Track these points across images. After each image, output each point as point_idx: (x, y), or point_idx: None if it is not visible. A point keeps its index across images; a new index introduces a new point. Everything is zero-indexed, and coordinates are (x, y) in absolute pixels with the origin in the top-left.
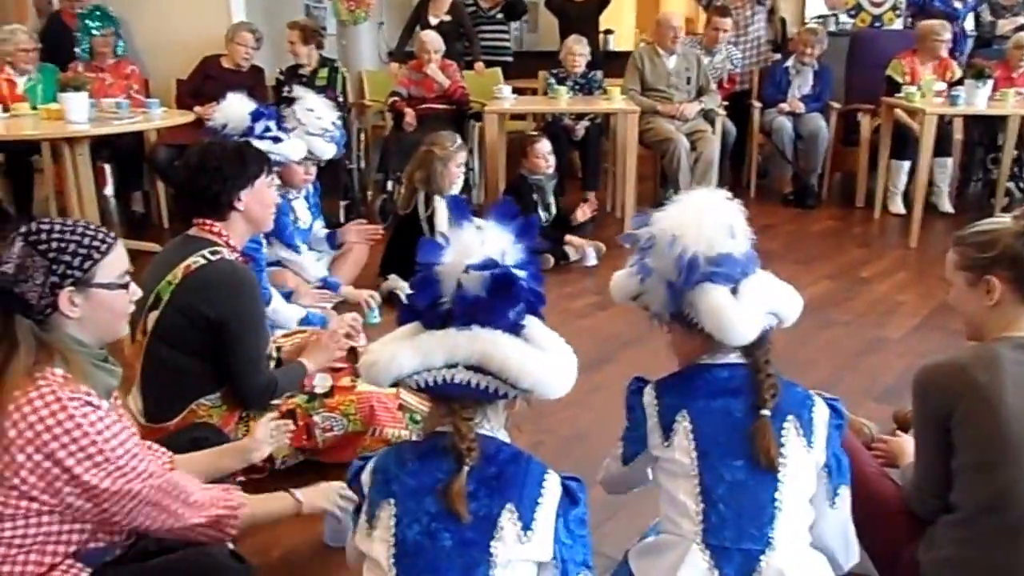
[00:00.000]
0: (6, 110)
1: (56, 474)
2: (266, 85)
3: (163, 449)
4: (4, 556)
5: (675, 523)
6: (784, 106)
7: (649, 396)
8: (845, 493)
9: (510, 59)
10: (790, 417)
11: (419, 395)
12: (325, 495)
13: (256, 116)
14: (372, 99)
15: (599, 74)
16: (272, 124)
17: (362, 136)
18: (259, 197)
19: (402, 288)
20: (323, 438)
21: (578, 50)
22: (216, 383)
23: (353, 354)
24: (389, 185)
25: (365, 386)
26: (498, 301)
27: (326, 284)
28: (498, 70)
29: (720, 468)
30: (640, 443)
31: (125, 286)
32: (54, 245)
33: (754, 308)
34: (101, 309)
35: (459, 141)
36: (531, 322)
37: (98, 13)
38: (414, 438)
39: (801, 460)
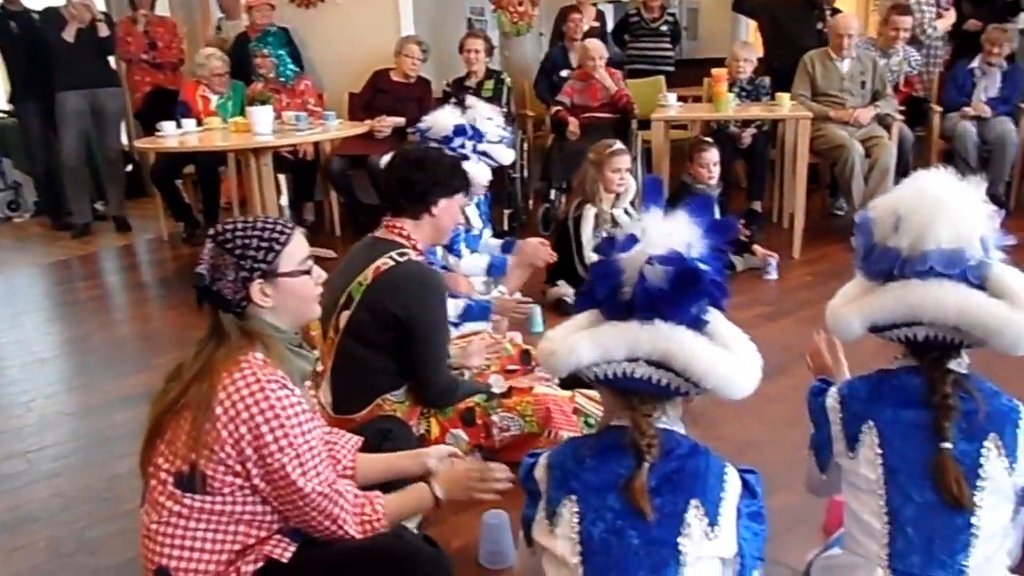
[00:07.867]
0: (199, 124)
1: (248, 454)
2: (432, 96)
3: (351, 438)
4: (217, 525)
5: (859, 542)
6: (968, 110)
7: (832, 400)
8: None
9: (671, 68)
10: (991, 435)
11: (595, 388)
12: (463, 487)
13: (458, 131)
14: (533, 109)
15: (766, 80)
16: (469, 144)
17: (525, 146)
18: (451, 211)
19: (568, 295)
20: (500, 437)
21: (744, 55)
22: (401, 379)
23: (527, 355)
24: (552, 194)
25: (541, 388)
26: (681, 295)
27: (492, 266)
28: (661, 79)
29: (909, 487)
30: (828, 449)
31: (308, 271)
32: (239, 243)
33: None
34: (289, 296)
35: (617, 144)
36: (714, 317)
37: (270, 38)
38: None
39: (1002, 484)
